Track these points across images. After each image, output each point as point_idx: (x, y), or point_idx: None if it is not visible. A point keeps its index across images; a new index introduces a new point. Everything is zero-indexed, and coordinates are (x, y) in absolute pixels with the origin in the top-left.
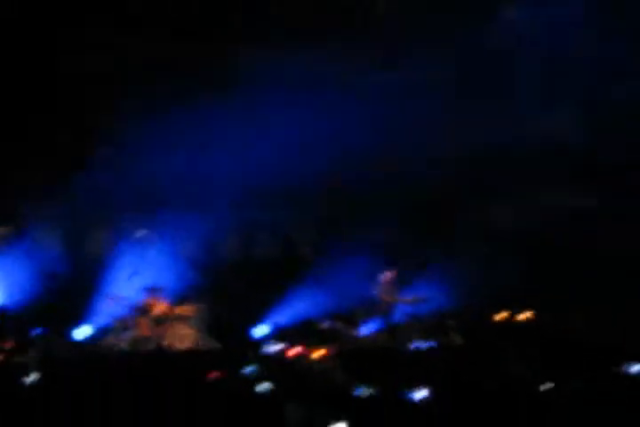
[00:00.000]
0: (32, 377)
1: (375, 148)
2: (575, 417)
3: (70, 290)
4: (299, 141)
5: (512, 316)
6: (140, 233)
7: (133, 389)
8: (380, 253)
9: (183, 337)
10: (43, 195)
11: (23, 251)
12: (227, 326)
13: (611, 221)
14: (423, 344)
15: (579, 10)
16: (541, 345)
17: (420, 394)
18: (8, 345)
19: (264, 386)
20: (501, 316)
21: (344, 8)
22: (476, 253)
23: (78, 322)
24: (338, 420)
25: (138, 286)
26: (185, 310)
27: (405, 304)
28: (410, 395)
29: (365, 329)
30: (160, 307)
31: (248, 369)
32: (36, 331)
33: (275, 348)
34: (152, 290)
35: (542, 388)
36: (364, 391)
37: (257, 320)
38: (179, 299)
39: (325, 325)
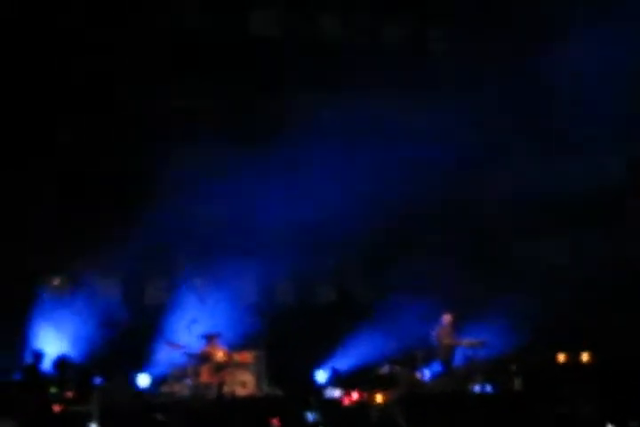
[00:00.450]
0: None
1: (427, 191)
2: None
3: (130, 339)
4: (349, 188)
5: (573, 357)
6: (199, 281)
7: None
8: (438, 297)
9: (243, 384)
10: (101, 244)
11: (82, 301)
12: (286, 371)
13: None
14: (483, 388)
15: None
16: (603, 386)
17: None
18: (69, 395)
19: None
20: (562, 358)
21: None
22: (534, 297)
23: (138, 371)
24: None
25: (197, 333)
26: (244, 356)
27: (465, 347)
28: None
29: (425, 373)
30: (219, 354)
31: (309, 415)
32: (97, 380)
33: (335, 393)
34: (211, 337)
35: None
36: None
37: (317, 366)
38: (238, 346)
39: (385, 369)
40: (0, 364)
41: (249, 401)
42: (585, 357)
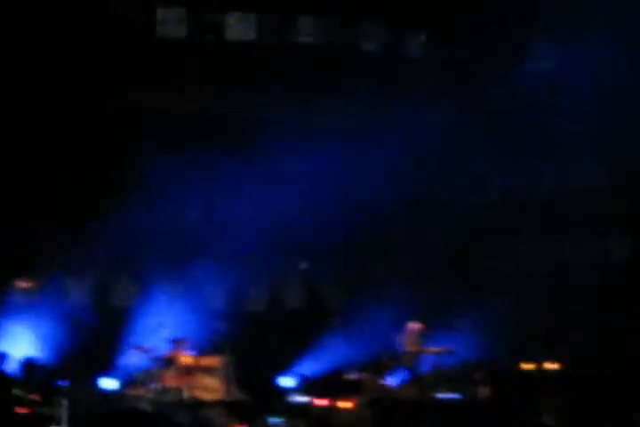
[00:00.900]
0: None
1: (399, 198)
2: None
3: (96, 341)
4: (323, 193)
5: (539, 366)
6: (167, 285)
7: None
8: (405, 304)
9: (209, 388)
10: (68, 247)
11: (49, 303)
12: (253, 377)
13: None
14: (449, 396)
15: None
16: (570, 395)
17: None
18: (34, 397)
19: None
20: (528, 366)
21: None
22: (501, 304)
23: (104, 373)
24: None
25: (164, 337)
26: (211, 361)
27: (431, 355)
28: None
29: (392, 380)
30: (186, 358)
31: (274, 420)
32: (63, 383)
33: (301, 399)
34: (177, 341)
35: None
36: None
37: (284, 371)
38: (204, 350)
39: (352, 376)
40: None
41: (214, 406)
42: (552, 365)
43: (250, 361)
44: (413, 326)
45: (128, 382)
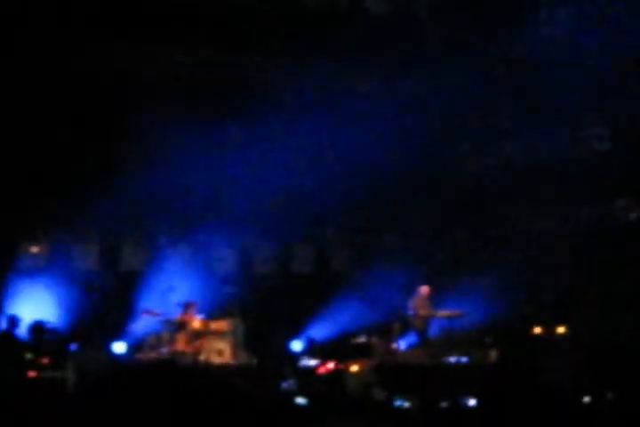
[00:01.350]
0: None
1: (410, 160)
2: None
3: (106, 306)
4: (331, 158)
5: (549, 330)
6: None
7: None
8: (414, 269)
9: (219, 352)
10: (77, 212)
11: (59, 267)
12: (262, 340)
13: None
14: (459, 360)
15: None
16: (580, 358)
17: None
18: (44, 361)
19: (300, 400)
20: (538, 330)
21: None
22: (512, 268)
23: (114, 338)
24: None
25: (173, 301)
26: (220, 325)
27: (441, 319)
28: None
29: (401, 344)
30: (196, 322)
31: (284, 384)
32: (72, 347)
33: (311, 363)
34: (187, 305)
35: (584, 400)
36: (401, 403)
37: (293, 335)
38: (214, 314)
39: (361, 339)
40: None
41: (224, 369)
42: (561, 329)
43: (259, 325)
44: (423, 290)
45: (138, 345)
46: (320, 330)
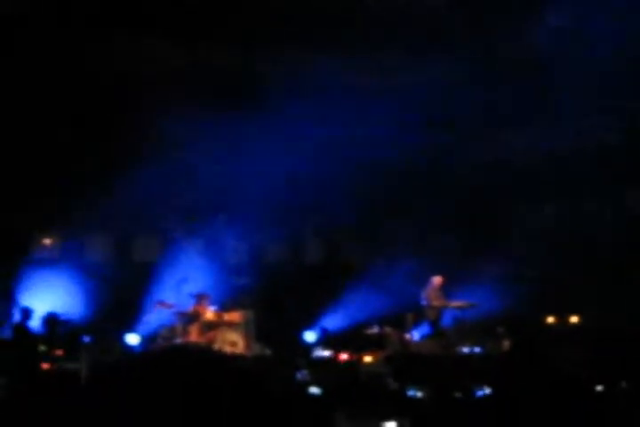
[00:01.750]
0: None
1: (421, 152)
2: (627, 417)
3: (119, 297)
4: (341, 150)
5: (561, 319)
6: (189, 240)
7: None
8: (429, 258)
9: (233, 343)
10: (90, 203)
11: (72, 259)
12: (275, 331)
13: None
14: (472, 350)
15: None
16: (593, 348)
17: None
18: (58, 352)
19: (314, 390)
20: (551, 320)
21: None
22: (524, 258)
23: (127, 329)
24: (388, 420)
25: (186, 292)
26: (233, 316)
27: (454, 309)
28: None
29: (414, 334)
30: (209, 313)
31: (298, 374)
32: (86, 339)
33: (324, 353)
34: (200, 296)
35: (597, 388)
36: (414, 393)
37: (306, 326)
38: (226, 305)
39: (374, 330)
40: None
41: (238, 360)
42: (574, 319)
43: (272, 316)
44: (436, 280)
45: (152, 337)
46: (333, 321)
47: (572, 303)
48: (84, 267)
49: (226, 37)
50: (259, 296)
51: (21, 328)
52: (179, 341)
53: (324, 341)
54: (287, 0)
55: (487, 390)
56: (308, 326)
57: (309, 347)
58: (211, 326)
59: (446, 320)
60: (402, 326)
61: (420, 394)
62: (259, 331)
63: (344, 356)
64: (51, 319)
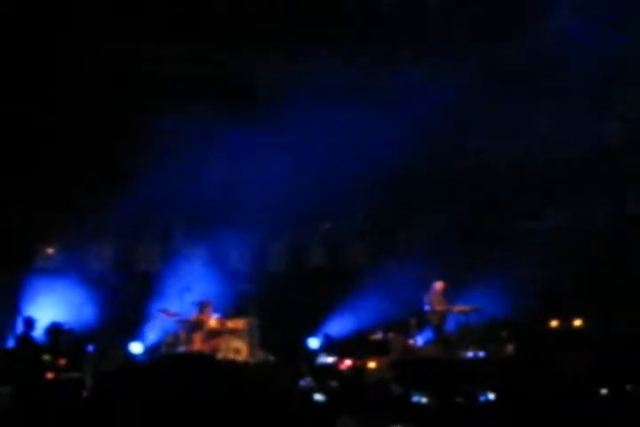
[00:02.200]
0: None
1: (425, 156)
2: (632, 420)
3: (122, 306)
4: (344, 155)
5: (565, 323)
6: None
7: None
8: (431, 263)
9: (237, 350)
10: (92, 212)
11: (75, 268)
12: (279, 338)
13: None
14: (476, 354)
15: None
16: (597, 351)
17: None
18: (62, 362)
19: (318, 397)
20: (555, 323)
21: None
22: (527, 262)
23: (131, 338)
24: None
25: (189, 300)
26: (237, 323)
27: (457, 314)
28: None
29: (418, 340)
30: (212, 321)
31: (302, 382)
32: (89, 348)
33: (328, 360)
34: (203, 304)
35: (601, 392)
36: (418, 399)
37: (309, 332)
38: (229, 313)
39: (378, 336)
40: None
41: (242, 367)
42: (577, 322)
43: (275, 323)
44: (438, 285)
45: (155, 346)
46: (336, 327)
47: (575, 307)
48: (86, 276)
49: (230, 41)
50: (262, 303)
51: (25, 338)
52: (182, 349)
53: (327, 347)
54: (290, 4)
55: (491, 395)
56: (312, 332)
57: (313, 353)
58: (214, 334)
59: (450, 325)
60: (405, 332)
61: (424, 400)
62: (262, 338)
63: (348, 362)
64: (54, 329)
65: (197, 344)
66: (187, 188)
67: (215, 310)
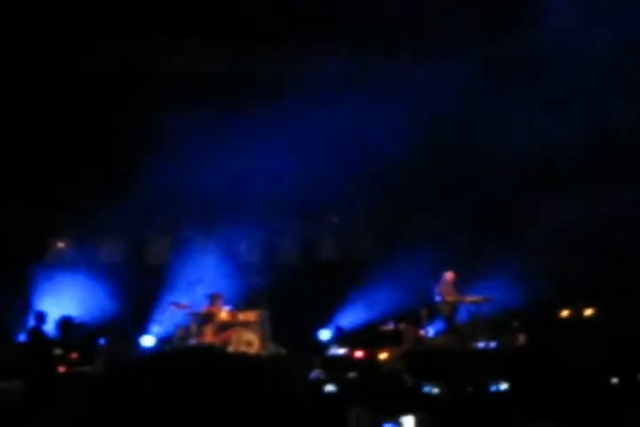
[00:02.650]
0: None
1: (436, 146)
2: None
3: (133, 299)
4: (355, 147)
5: (576, 312)
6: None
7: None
8: (442, 253)
9: (248, 343)
10: (103, 206)
11: (85, 262)
12: (290, 330)
13: None
14: (487, 345)
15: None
16: (608, 340)
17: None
18: (73, 356)
19: (330, 388)
20: (565, 313)
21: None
22: (538, 252)
23: (142, 331)
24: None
25: (200, 293)
26: (248, 315)
27: (468, 304)
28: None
29: (429, 330)
30: (223, 314)
31: (313, 373)
32: (101, 341)
33: (339, 351)
34: (214, 297)
35: (612, 381)
36: (429, 389)
37: (320, 324)
38: (241, 305)
39: (389, 327)
40: (4, 326)
41: (253, 359)
42: (588, 312)
43: (286, 315)
44: (449, 275)
45: (166, 339)
46: (348, 318)
47: (586, 296)
48: (97, 270)
49: (227, 37)
50: (273, 295)
51: (36, 332)
52: (194, 342)
53: (338, 339)
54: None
55: (503, 385)
56: (323, 324)
57: (324, 345)
58: (225, 327)
59: (461, 315)
60: (416, 323)
61: (435, 390)
62: (274, 330)
63: (359, 353)
64: (65, 323)
65: (209, 337)
66: (197, 181)
67: (226, 303)
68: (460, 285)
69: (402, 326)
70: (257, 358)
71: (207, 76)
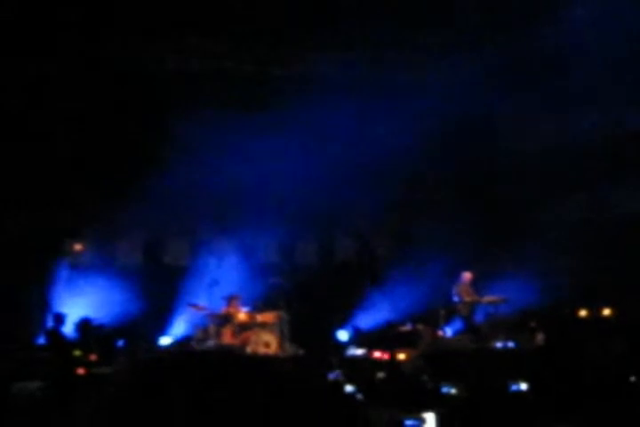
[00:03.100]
0: None
1: (449, 146)
2: None
3: (152, 301)
4: (364, 147)
5: (594, 312)
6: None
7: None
8: (460, 254)
9: (266, 344)
10: (120, 209)
11: (104, 263)
12: (308, 331)
13: None
14: (505, 345)
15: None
16: (626, 340)
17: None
18: (93, 357)
19: (348, 389)
20: (584, 313)
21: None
22: (556, 252)
23: (161, 333)
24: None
25: (218, 294)
26: (266, 316)
27: (486, 304)
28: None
29: (447, 331)
30: (241, 315)
31: (332, 374)
32: (120, 343)
33: (357, 352)
34: (232, 298)
35: (630, 380)
36: (448, 390)
37: (338, 325)
38: (259, 306)
39: (407, 327)
40: (23, 328)
41: (272, 360)
42: (606, 311)
43: (304, 316)
44: (466, 276)
45: (185, 341)
46: (365, 319)
47: (604, 296)
48: (115, 271)
49: (237, 38)
50: (291, 296)
51: (55, 334)
52: (212, 343)
53: (356, 339)
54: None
55: (522, 385)
56: (341, 324)
57: (343, 346)
58: (244, 328)
59: (479, 316)
60: (434, 323)
61: (454, 391)
62: (292, 331)
63: (377, 354)
64: (84, 325)
65: (227, 338)
66: (215, 183)
67: (244, 304)
68: (478, 285)
69: (419, 326)
70: (275, 359)
71: (233, 78)
